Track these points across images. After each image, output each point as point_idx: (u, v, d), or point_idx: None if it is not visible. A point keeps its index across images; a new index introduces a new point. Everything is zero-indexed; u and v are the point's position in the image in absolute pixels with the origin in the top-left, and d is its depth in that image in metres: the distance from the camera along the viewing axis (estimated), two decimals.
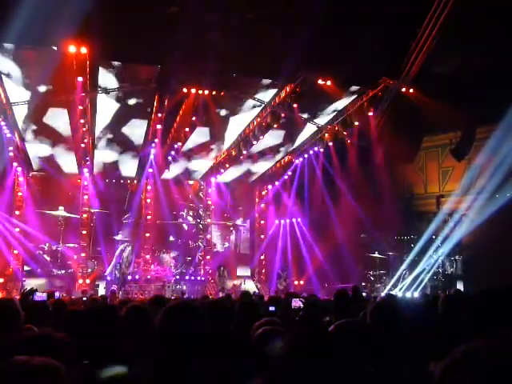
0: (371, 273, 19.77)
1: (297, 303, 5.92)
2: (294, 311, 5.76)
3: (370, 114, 17.11)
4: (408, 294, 16.49)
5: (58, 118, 16.99)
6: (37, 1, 10.70)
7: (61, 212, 19.39)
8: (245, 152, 19.64)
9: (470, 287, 15.95)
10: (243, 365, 3.19)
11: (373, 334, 3.00)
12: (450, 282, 17.78)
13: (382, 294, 15.79)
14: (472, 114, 15.98)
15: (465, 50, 13.78)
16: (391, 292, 16.54)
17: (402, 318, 4.25)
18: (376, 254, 19.52)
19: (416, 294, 16.27)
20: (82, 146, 18.32)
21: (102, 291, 18.07)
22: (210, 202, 23.16)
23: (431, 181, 20.87)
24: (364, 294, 14.48)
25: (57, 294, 8.91)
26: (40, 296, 5.86)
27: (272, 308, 6.06)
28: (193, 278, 20.37)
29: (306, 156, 20.88)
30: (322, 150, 20.02)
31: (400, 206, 18.84)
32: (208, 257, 22.18)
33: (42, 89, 15.38)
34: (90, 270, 20.08)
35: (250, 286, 20.33)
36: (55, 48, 13.38)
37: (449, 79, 14.74)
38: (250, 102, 17.43)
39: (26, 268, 19.34)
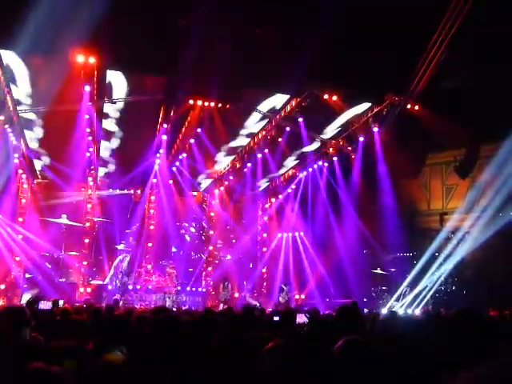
0: (373, 289, 19.69)
1: (301, 319, 5.88)
2: (298, 327, 5.72)
3: (375, 129, 17.14)
4: (409, 311, 16.41)
5: (64, 127, 17.04)
6: (47, 10, 10.79)
7: (64, 220, 19.42)
8: (249, 164, 19.66)
9: (471, 306, 15.85)
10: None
11: (379, 349, 3.00)
12: (452, 299, 17.69)
13: (384, 311, 15.74)
14: (477, 132, 16.01)
15: (471, 67, 13.83)
16: (393, 309, 16.47)
17: (405, 333, 4.25)
18: (378, 270, 19.46)
19: (417, 311, 16.20)
20: (87, 154, 18.37)
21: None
22: (213, 214, 23.17)
23: (435, 198, 20.85)
24: (366, 310, 14.44)
25: (60, 303, 8.87)
26: (45, 304, 5.83)
27: (276, 318, 6.04)
28: (194, 289, 20.32)
29: (310, 170, 20.88)
30: (326, 164, 20.03)
31: (403, 223, 18.80)
32: (210, 268, 22.14)
33: (49, 97, 15.44)
34: (91, 280, 20.04)
35: (251, 299, 20.28)
36: (64, 57, 13.46)
37: (454, 96, 14.77)
38: (255, 115, 17.47)
39: (27, 275, 19.32)
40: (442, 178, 20.56)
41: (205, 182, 22.61)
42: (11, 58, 13.78)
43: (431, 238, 18.54)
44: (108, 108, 16.40)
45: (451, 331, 3.18)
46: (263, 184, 22.86)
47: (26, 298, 16.05)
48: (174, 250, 21.48)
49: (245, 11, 12.47)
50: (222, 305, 18.44)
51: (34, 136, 17.95)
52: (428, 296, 17.61)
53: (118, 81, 15.08)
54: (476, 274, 17.50)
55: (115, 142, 18.50)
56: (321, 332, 4.97)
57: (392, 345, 3.79)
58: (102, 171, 20.66)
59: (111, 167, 20.39)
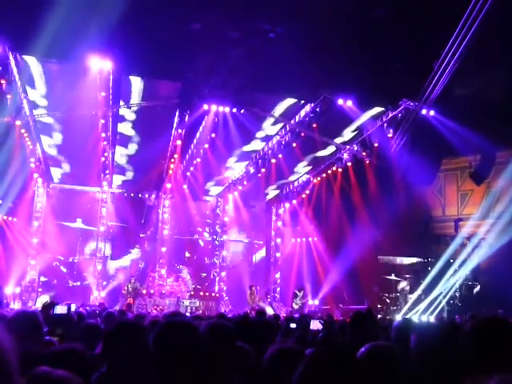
0: (387, 295, 19.54)
1: (316, 325, 5.83)
2: (312, 333, 5.66)
3: (390, 134, 17.06)
4: (424, 318, 16.26)
5: (79, 131, 17.14)
6: (63, 16, 10.89)
7: (79, 224, 19.54)
8: (263, 170, 19.66)
9: (486, 312, 15.68)
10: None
11: (400, 358, 2.97)
12: (467, 306, 17.49)
13: (398, 318, 15.61)
14: (492, 138, 15.86)
15: (487, 72, 13.73)
16: (407, 315, 16.34)
17: (423, 340, 4.20)
18: (392, 277, 19.31)
19: (432, 318, 16.05)
20: (102, 159, 18.49)
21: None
22: (226, 219, 23.16)
23: (450, 204, 20.67)
24: (379, 317, 14.35)
25: (73, 307, 8.89)
26: (60, 309, 5.82)
27: (293, 325, 6.00)
28: (207, 294, 20.31)
29: (324, 175, 20.83)
30: (340, 169, 19.97)
31: (418, 229, 18.66)
32: (223, 273, 22.14)
33: (65, 102, 15.56)
34: (104, 283, 20.13)
35: (264, 305, 20.22)
36: (79, 62, 13.57)
37: (470, 102, 14.67)
38: (269, 120, 17.46)
39: (42, 279, 19.46)
40: (457, 183, 20.39)
41: (219, 187, 22.62)
42: (29, 63, 13.91)
43: (446, 244, 18.37)
44: (123, 113, 16.49)
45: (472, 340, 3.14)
46: (277, 189, 22.83)
47: (41, 301, 16.14)
48: (187, 254, 21.52)
49: (258, 16, 12.51)
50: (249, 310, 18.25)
51: (49, 141, 18.09)
52: (443, 303, 17.44)
53: (133, 86, 15.16)
54: (491, 280, 17.31)
55: (130, 147, 18.59)
56: (338, 339, 4.93)
57: (407, 352, 3.75)
58: (116, 176, 20.75)
59: (126, 172, 20.48)
